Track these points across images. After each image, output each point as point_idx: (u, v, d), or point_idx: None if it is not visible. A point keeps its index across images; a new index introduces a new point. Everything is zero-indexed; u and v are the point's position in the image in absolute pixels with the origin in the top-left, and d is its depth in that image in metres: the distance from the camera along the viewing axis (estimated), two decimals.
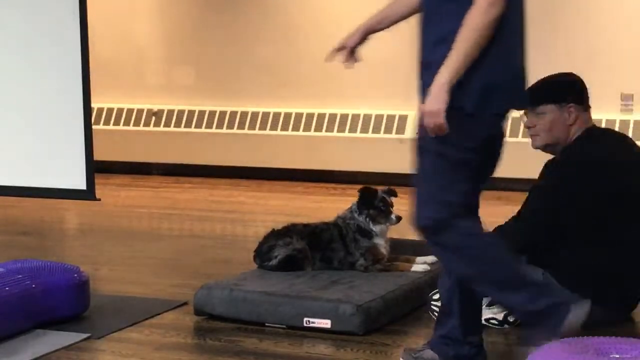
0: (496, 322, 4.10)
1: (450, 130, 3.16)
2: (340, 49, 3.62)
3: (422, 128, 3.25)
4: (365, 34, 3.59)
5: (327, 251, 4.67)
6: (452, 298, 3.47)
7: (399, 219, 4.66)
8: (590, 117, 4.21)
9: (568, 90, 4.18)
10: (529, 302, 3.33)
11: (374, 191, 4.74)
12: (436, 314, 4.13)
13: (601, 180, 4.03)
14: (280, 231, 4.76)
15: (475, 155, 3.26)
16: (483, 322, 4.09)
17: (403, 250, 4.82)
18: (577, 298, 3.37)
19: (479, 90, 3.19)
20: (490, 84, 3.20)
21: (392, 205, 4.74)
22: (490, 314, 4.09)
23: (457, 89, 3.14)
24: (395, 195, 4.78)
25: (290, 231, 4.73)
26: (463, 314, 3.47)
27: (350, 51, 3.60)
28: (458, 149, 3.23)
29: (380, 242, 4.68)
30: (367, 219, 4.67)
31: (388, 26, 3.62)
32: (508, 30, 3.21)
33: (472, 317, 3.53)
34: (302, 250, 4.64)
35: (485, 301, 4.10)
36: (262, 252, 4.72)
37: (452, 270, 3.44)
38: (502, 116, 3.31)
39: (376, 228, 4.67)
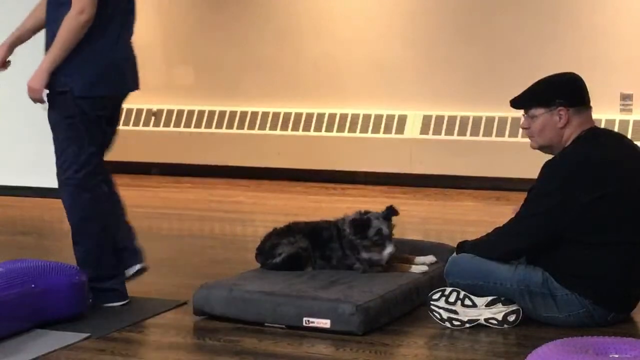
0: (495, 322, 4.09)
1: (66, 108, 4.27)
2: None
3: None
4: (11, 48, 4.56)
5: (327, 250, 4.65)
6: None
7: (390, 256, 4.49)
8: (589, 117, 4.19)
9: (557, 92, 4.13)
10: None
11: (366, 222, 4.51)
12: (436, 314, 4.14)
13: (599, 180, 4.02)
14: (282, 230, 4.75)
15: (90, 127, 4.33)
16: (483, 322, 4.10)
17: (403, 250, 4.82)
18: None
19: (85, 77, 4.25)
20: (94, 73, 4.29)
21: (391, 229, 4.53)
22: (489, 314, 4.09)
23: (69, 77, 4.23)
24: (397, 214, 4.58)
25: (292, 230, 4.72)
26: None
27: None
28: (75, 121, 4.29)
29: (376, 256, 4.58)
30: (362, 248, 4.53)
31: (28, 38, 4.60)
32: (108, 32, 4.34)
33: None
34: (306, 249, 4.63)
35: (484, 301, 4.10)
36: (265, 250, 4.71)
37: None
38: (107, 99, 4.42)
39: (367, 255, 4.55)
